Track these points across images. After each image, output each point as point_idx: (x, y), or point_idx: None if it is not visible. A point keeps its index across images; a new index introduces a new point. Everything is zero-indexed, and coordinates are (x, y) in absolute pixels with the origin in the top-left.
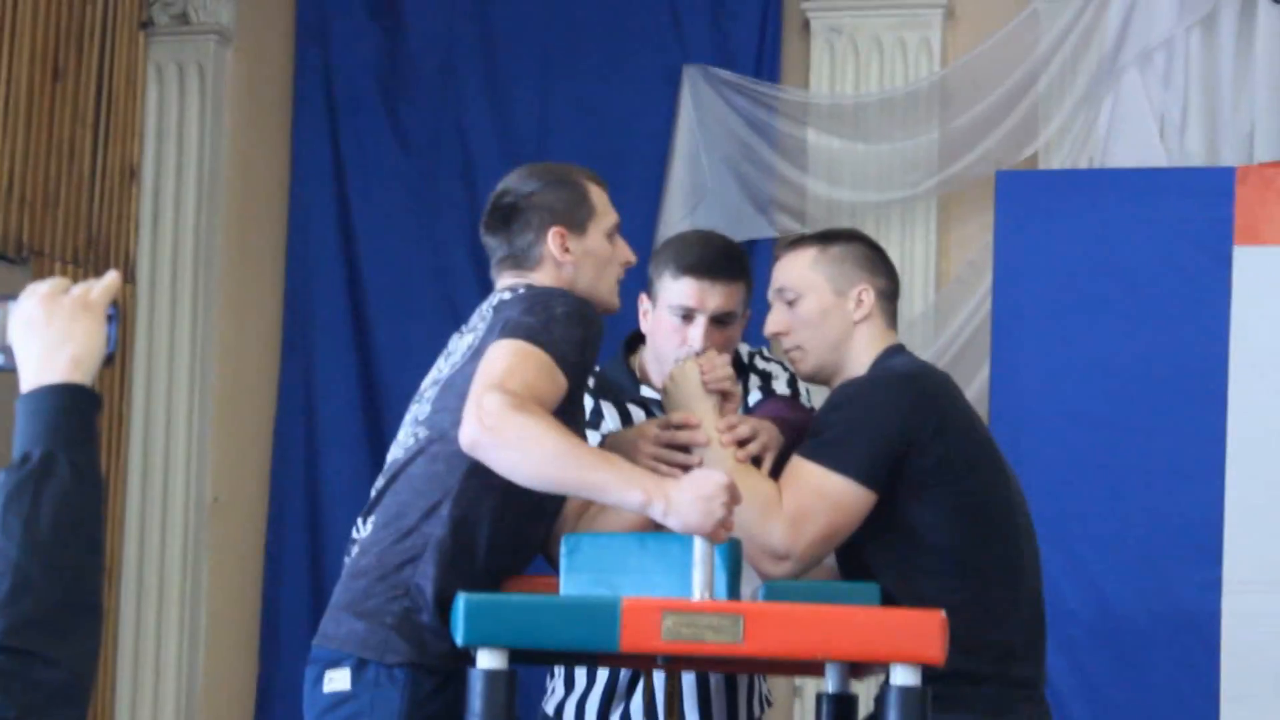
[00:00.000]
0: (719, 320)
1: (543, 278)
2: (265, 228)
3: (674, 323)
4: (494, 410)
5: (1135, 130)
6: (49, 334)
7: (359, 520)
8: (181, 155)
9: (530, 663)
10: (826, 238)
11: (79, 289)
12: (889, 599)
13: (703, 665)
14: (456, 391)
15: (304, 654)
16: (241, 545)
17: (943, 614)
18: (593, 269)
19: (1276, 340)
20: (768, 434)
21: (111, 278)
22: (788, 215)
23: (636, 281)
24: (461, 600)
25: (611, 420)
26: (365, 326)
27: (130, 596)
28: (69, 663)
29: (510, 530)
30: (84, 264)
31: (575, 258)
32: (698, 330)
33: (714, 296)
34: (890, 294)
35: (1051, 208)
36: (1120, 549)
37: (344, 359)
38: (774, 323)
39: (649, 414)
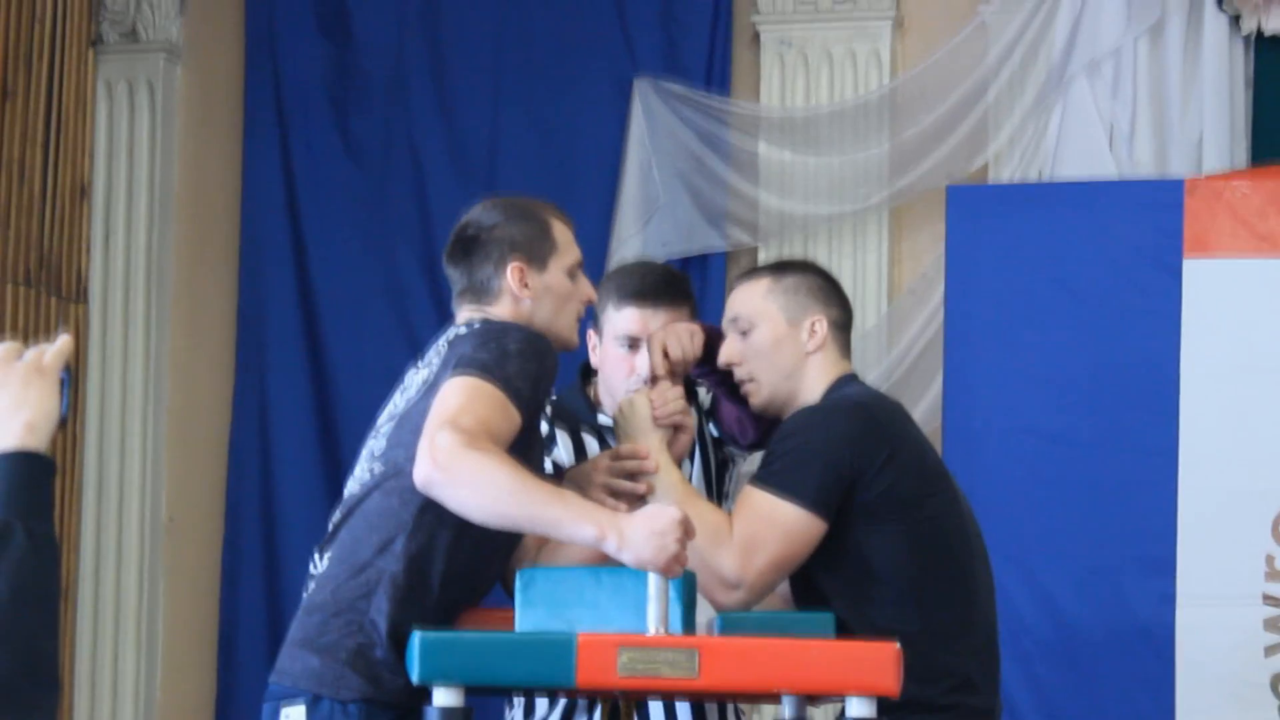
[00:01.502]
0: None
1: (501, 311)
2: (217, 245)
3: (620, 353)
4: (447, 448)
5: (1084, 140)
6: (2, 400)
7: (315, 554)
8: (132, 173)
9: (487, 695)
10: (780, 268)
11: (31, 354)
12: (843, 627)
13: (659, 698)
14: (411, 426)
15: (262, 673)
16: (197, 565)
17: (897, 645)
18: (551, 305)
19: (1227, 352)
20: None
21: (63, 342)
22: (740, 228)
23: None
24: (417, 638)
25: (564, 447)
26: (319, 343)
27: (86, 616)
28: None
29: (465, 565)
30: (35, 284)
31: (534, 293)
32: (644, 359)
33: (657, 322)
34: (843, 324)
35: (1002, 221)
36: (1073, 562)
37: (298, 376)
38: (727, 353)
39: (603, 442)
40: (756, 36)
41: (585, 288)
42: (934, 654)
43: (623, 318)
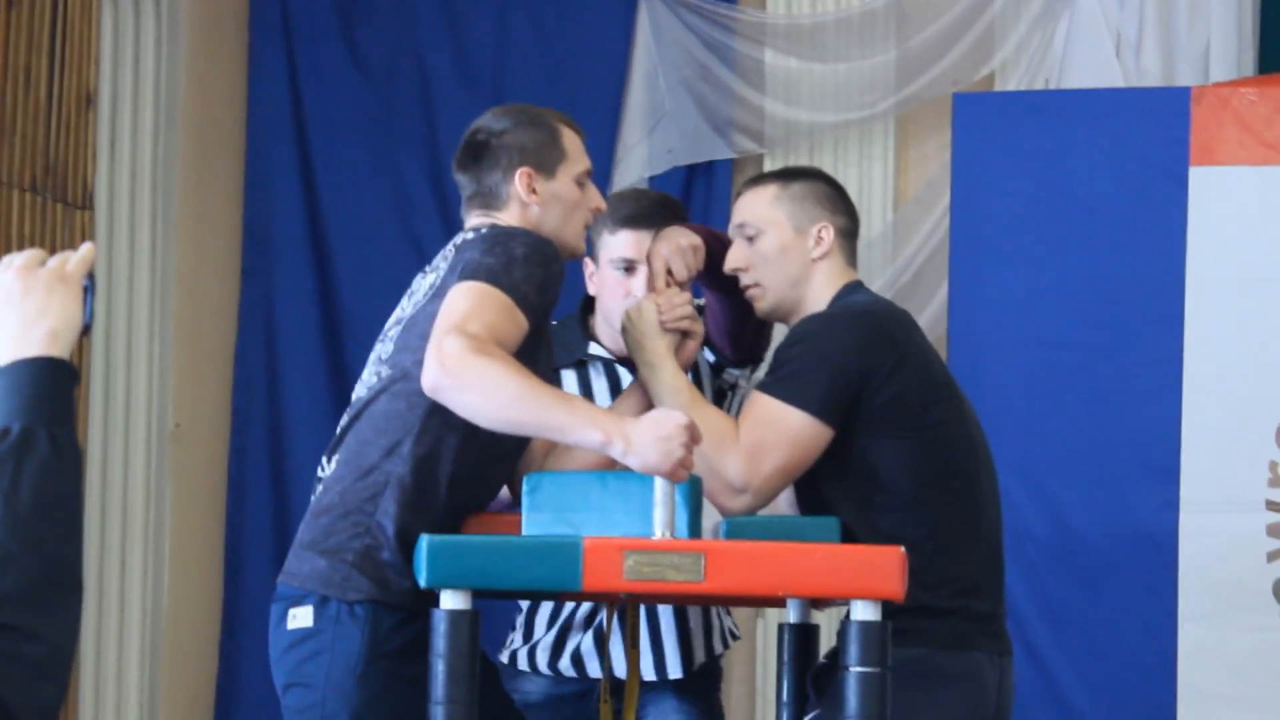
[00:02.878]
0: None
1: (509, 218)
2: (223, 153)
3: (617, 276)
4: (454, 354)
5: (1091, 49)
6: (26, 307)
7: (324, 458)
8: (138, 81)
9: (494, 599)
10: (788, 175)
11: (55, 261)
12: (848, 535)
13: (665, 600)
14: (418, 331)
15: (269, 580)
16: (204, 472)
17: (902, 550)
18: (559, 212)
19: (1232, 261)
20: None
21: (87, 249)
22: (745, 136)
23: None
24: (424, 541)
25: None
26: (324, 252)
27: (94, 525)
28: (52, 638)
29: (472, 469)
30: (41, 192)
31: (542, 199)
32: (640, 281)
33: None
34: (850, 232)
35: (1008, 129)
36: (1078, 470)
37: (304, 284)
38: (733, 259)
39: (584, 376)
40: None
41: (594, 196)
42: (938, 560)
43: (617, 241)
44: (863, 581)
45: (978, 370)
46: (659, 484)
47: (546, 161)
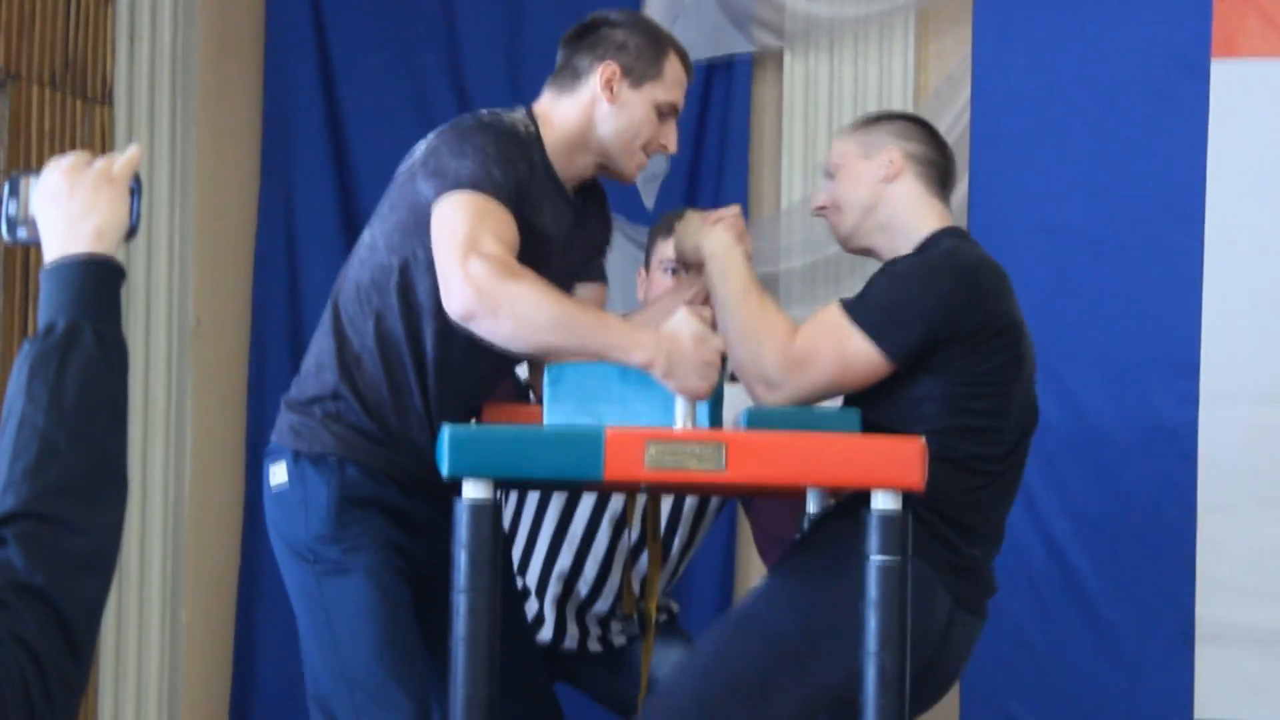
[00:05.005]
0: None
1: (571, 107)
2: (243, 49)
3: (668, 280)
4: (483, 278)
5: None
6: (72, 206)
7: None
8: None
9: (516, 488)
10: (872, 118)
11: (102, 162)
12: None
13: (686, 491)
14: (389, 203)
15: None
16: (225, 367)
17: (923, 440)
18: (623, 124)
19: (1253, 153)
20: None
21: (133, 151)
22: (765, 30)
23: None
24: (446, 431)
25: None
26: (344, 150)
27: None
28: (96, 531)
29: (442, 354)
30: (61, 86)
31: (615, 102)
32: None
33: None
34: (926, 159)
35: (1029, 23)
36: (1098, 362)
37: (323, 183)
38: (818, 197)
39: None
40: None
41: (667, 133)
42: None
43: (669, 245)
44: (883, 471)
45: (997, 261)
46: None
47: (638, 69)
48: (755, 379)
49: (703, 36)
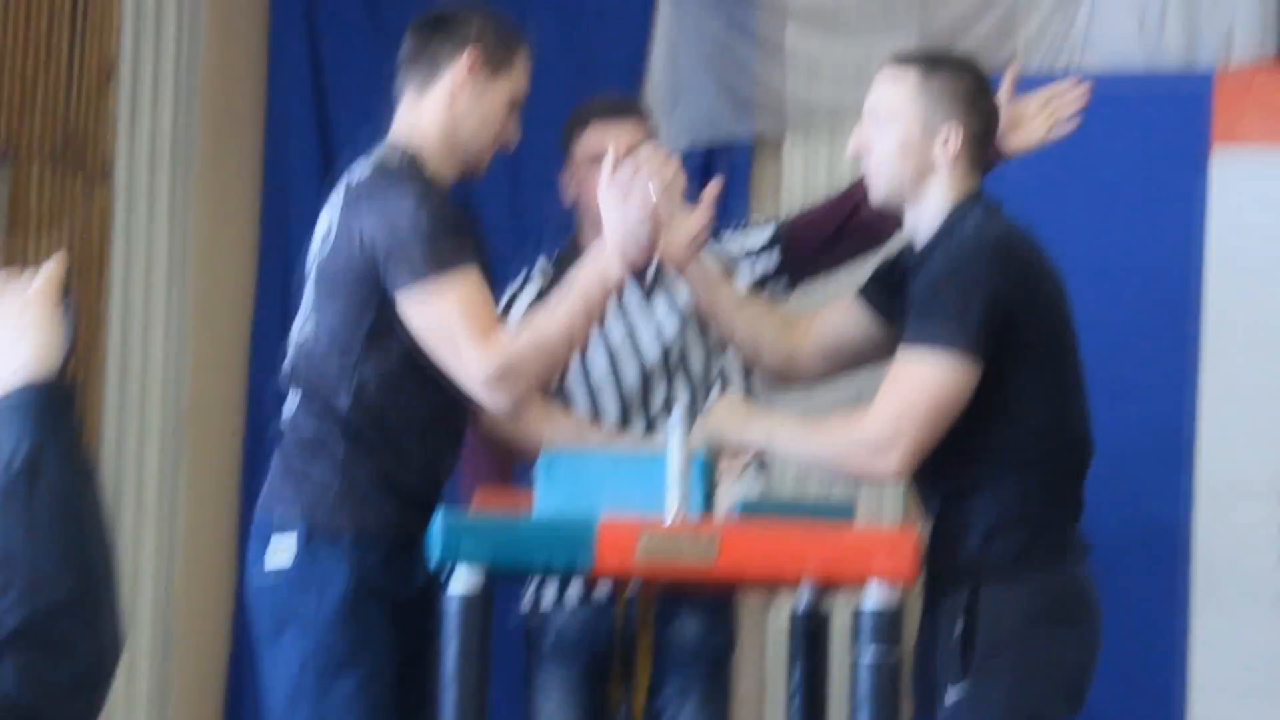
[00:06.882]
0: None
1: (434, 106)
2: (243, 126)
3: (594, 173)
4: (500, 369)
5: (1114, 29)
6: (2, 336)
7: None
8: (159, 53)
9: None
10: (933, 63)
11: (22, 282)
12: (968, 457)
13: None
14: (326, 287)
15: None
16: (219, 451)
17: (915, 533)
18: (480, 118)
19: (1253, 245)
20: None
21: (53, 266)
22: (766, 116)
23: None
24: (438, 518)
25: None
26: None
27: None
28: (90, 652)
29: (418, 404)
30: (61, 163)
31: (474, 90)
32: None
33: (620, 133)
34: (981, 135)
35: None
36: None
37: None
38: (858, 141)
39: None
40: None
41: (512, 127)
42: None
43: (588, 137)
44: (876, 564)
45: None
46: (673, 463)
47: (496, 58)
48: (863, 459)
49: (703, 121)
